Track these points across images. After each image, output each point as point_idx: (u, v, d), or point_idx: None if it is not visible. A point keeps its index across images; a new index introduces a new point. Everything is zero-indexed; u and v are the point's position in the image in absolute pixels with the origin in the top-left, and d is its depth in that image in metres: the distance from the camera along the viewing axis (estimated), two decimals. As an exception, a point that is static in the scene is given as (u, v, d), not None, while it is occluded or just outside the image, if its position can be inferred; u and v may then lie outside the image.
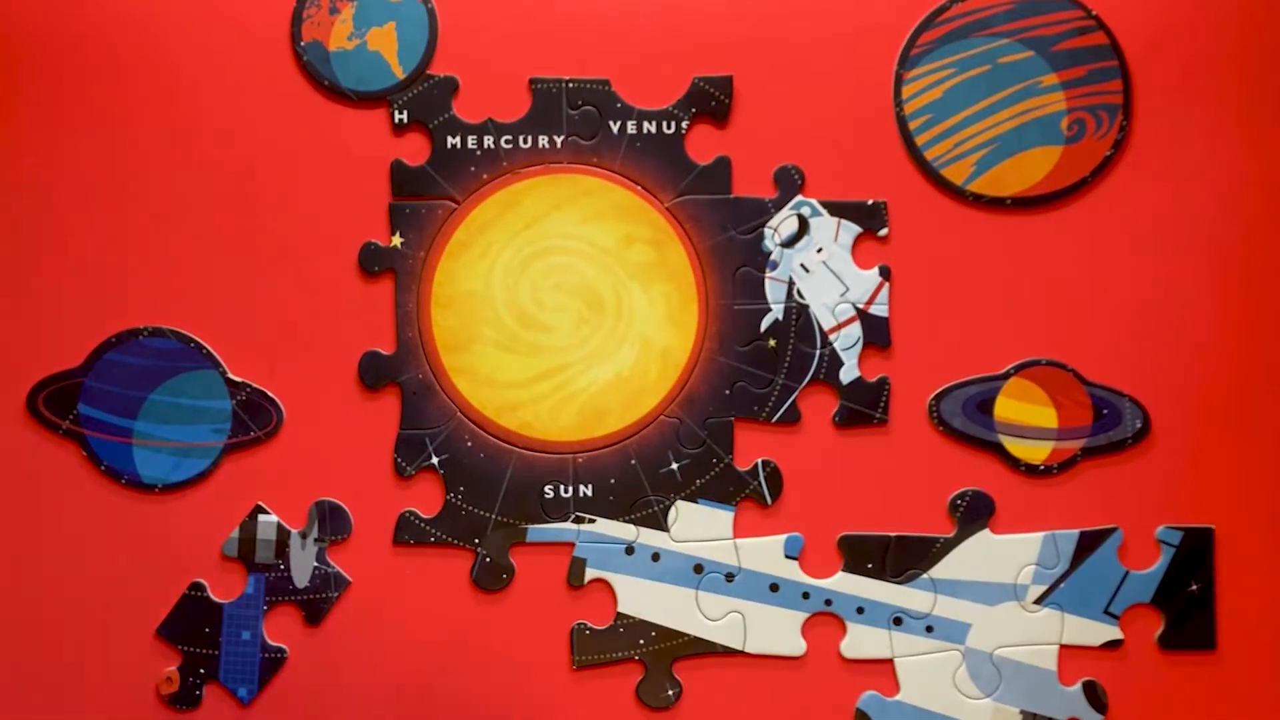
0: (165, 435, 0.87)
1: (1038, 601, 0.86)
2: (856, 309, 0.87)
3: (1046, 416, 0.86)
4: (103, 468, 0.87)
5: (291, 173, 0.87)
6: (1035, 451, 0.87)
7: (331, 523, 0.86)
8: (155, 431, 0.87)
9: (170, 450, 0.87)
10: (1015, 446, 0.87)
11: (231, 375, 0.87)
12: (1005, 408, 0.87)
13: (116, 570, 0.86)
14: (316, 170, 0.88)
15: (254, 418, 0.87)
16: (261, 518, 0.86)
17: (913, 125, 0.88)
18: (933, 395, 0.87)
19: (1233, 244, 0.88)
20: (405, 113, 0.88)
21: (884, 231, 0.88)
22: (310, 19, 0.88)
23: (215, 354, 0.87)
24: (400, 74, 0.88)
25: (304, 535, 0.86)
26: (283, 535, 0.86)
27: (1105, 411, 0.86)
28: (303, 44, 0.88)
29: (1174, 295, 0.87)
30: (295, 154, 0.88)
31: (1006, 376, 0.87)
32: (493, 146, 0.88)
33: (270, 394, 0.87)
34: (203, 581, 0.86)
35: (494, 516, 0.87)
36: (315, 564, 0.86)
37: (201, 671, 0.86)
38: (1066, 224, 0.88)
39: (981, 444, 0.87)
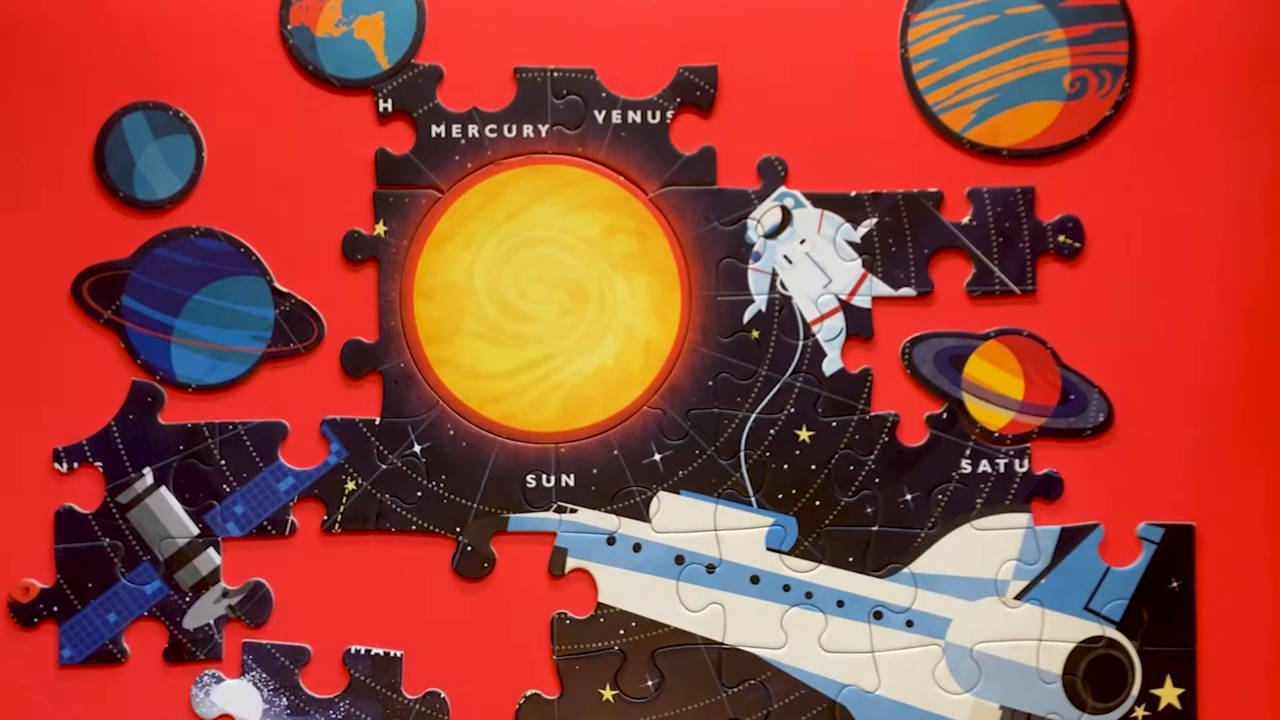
0: (205, 336, 0.87)
1: (1018, 597, 0.86)
2: (839, 300, 0.87)
3: (1014, 387, 0.86)
4: (139, 361, 0.87)
5: (275, 158, 0.87)
6: (994, 418, 0.87)
7: (254, 605, 0.86)
8: (195, 331, 0.87)
9: (208, 352, 0.87)
10: (976, 408, 0.87)
11: (278, 285, 0.87)
12: (976, 368, 0.86)
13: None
14: (300, 156, 0.87)
15: (295, 329, 0.87)
16: (212, 552, 0.86)
17: (916, 69, 0.87)
18: (907, 339, 0.87)
19: (1223, 225, 0.87)
20: (390, 101, 0.87)
21: (868, 223, 0.87)
22: (299, 3, 0.87)
23: (264, 261, 0.87)
24: (385, 64, 0.87)
25: (224, 594, 0.86)
26: (213, 579, 0.86)
27: (1072, 397, 0.85)
28: (290, 27, 0.87)
29: (1158, 273, 0.86)
30: (279, 139, 0.87)
31: (985, 338, 0.87)
32: (477, 135, 0.88)
33: (314, 307, 0.86)
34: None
35: (476, 505, 0.87)
36: (210, 623, 0.85)
37: (55, 609, 0.86)
38: (1061, 180, 0.87)
39: (944, 397, 0.86)
